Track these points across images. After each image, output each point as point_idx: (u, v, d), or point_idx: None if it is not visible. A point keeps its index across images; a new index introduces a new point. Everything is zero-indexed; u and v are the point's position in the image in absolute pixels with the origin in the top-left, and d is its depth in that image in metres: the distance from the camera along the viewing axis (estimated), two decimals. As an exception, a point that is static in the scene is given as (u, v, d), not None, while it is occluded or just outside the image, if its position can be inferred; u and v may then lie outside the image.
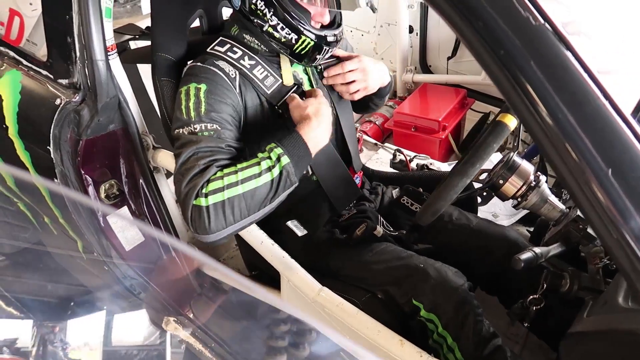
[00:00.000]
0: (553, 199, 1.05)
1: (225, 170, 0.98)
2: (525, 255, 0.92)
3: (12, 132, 1.19)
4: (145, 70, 1.76)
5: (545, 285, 0.99)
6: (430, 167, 1.75)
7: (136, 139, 1.19)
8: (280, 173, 0.99)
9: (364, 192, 1.41)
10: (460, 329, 1.03)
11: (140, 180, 1.29)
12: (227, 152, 1.02)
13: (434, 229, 1.28)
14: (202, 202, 0.94)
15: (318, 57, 1.14)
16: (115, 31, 1.15)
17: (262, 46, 1.17)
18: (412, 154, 1.77)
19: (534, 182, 1.04)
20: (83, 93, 1.07)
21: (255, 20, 1.10)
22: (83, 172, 1.18)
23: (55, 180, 1.19)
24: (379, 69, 1.30)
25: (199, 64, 1.10)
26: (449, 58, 2.52)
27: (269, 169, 0.98)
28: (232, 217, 0.97)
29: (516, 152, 1.07)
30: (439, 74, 2.62)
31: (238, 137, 1.07)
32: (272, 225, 1.21)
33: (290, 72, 1.20)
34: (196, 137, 1.01)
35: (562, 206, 1.05)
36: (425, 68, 2.66)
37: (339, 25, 1.15)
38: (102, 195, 1.25)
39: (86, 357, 1.52)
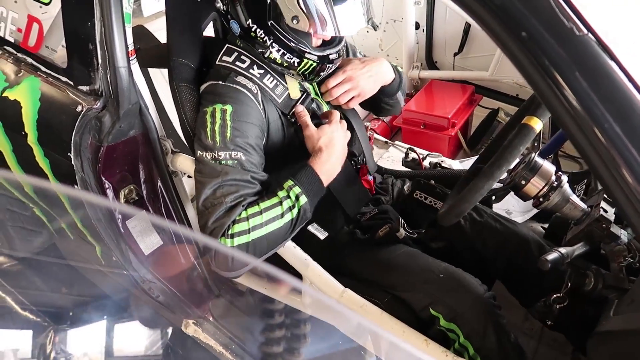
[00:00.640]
0: (574, 198, 1.06)
1: (250, 211, 1.01)
2: (552, 255, 0.93)
3: (32, 139, 1.19)
4: (152, 70, 1.76)
5: (569, 284, 1.00)
6: (442, 165, 1.76)
7: (156, 144, 1.19)
8: (299, 212, 1.03)
9: (375, 187, 1.42)
10: (482, 340, 1.03)
11: (159, 185, 1.29)
12: (252, 185, 1.05)
13: (451, 225, 1.29)
14: (228, 242, 0.99)
15: (322, 74, 1.16)
16: None
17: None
18: (425, 152, 1.78)
19: (555, 182, 1.05)
20: (104, 100, 1.07)
21: (257, 47, 1.11)
22: (103, 178, 1.18)
23: (76, 186, 1.19)
24: (371, 70, 1.26)
25: (221, 82, 1.11)
26: (455, 54, 2.52)
27: (290, 209, 1.03)
28: (253, 255, 1.02)
29: (537, 153, 1.08)
30: (445, 70, 2.62)
31: (261, 162, 1.09)
32: None
33: (296, 84, 1.21)
34: (220, 167, 1.02)
35: (583, 205, 1.06)
36: (432, 64, 2.66)
37: (341, 40, 1.15)
38: (122, 200, 1.25)
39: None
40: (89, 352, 1.44)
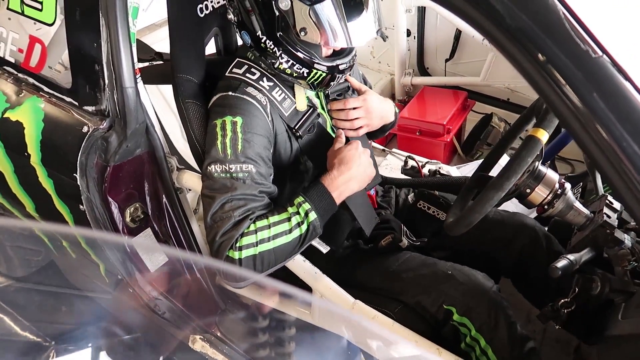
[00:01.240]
0: (578, 205, 1.09)
1: (258, 224, 1.02)
2: (562, 263, 0.96)
3: (35, 159, 1.17)
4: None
5: (577, 289, 1.03)
6: (441, 171, 1.79)
7: (162, 162, 1.18)
8: (308, 228, 1.04)
9: (377, 200, 1.43)
10: (494, 332, 1.06)
11: (164, 202, 1.28)
12: (260, 199, 1.05)
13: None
14: (236, 255, 1.00)
15: (332, 84, 1.17)
16: None
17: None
18: (424, 159, 1.80)
19: (559, 190, 1.07)
20: (111, 120, 1.07)
21: (268, 58, 1.12)
22: (109, 197, 1.17)
23: (81, 206, 1.18)
24: (383, 109, 1.32)
25: (230, 93, 1.11)
26: (446, 60, 2.56)
27: (298, 225, 1.03)
28: (261, 268, 1.03)
29: (540, 162, 1.10)
30: (437, 76, 2.66)
31: (270, 173, 1.10)
32: None
33: (304, 97, 1.21)
34: (230, 183, 1.03)
35: (587, 211, 1.08)
36: (423, 71, 2.70)
37: (351, 51, 1.16)
38: (128, 219, 1.24)
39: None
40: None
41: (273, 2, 1.01)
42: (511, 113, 2.37)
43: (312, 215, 1.04)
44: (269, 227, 1.02)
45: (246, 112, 1.08)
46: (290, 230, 1.02)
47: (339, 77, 1.15)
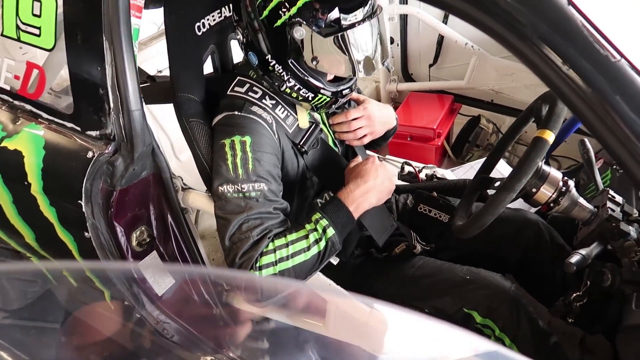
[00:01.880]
0: (582, 201, 1.12)
1: (277, 243, 1.02)
2: (575, 258, 0.98)
3: (36, 188, 1.14)
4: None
5: (588, 283, 1.06)
6: (437, 175, 1.81)
7: (169, 183, 1.17)
8: (327, 244, 1.04)
9: None
10: (517, 330, 1.08)
11: (170, 223, 1.27)
12: (276, 216, 1.06)
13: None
14: (256, 274, 1.00)
15: (334, 106, 1.20)
16: None
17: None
18: (420, 164, 1.82)
19: (564, 188, 1.11)
20: (117, 143, 1.05)
21: (273, 80, 1.13)
22: (115, 222, 1.15)
23: (86, 233, 1.16)
24: (384, 115, 1.35)
25: (237, 113, 1.11)
26: (430, 65, 2.61)
27: (316, 241, 1.04)
28: (281, 287, 1.02)
29: (544, 161, 1.13)
30: (421, 81, 2.70)
31: (280, 189, 1.11)
32: None
33: (306, 114, 1.23)
34: (245, 202, 1.03)
35: (590, 206, 1.12)
36: (408, 77, 2.74)
37: (354, 75, 1.18)
38: (134, 243, 1.22)
39: None
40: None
41: (287, 30, 1.01)
42: (497, 114, 2.43)
43: (330, 232, 1.04)
44: (287, 245, 1.02)
45: (254, 131, 1.08)
46: (308, 248, 1.03)
47: (341, 100, 1.17)
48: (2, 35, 1.09)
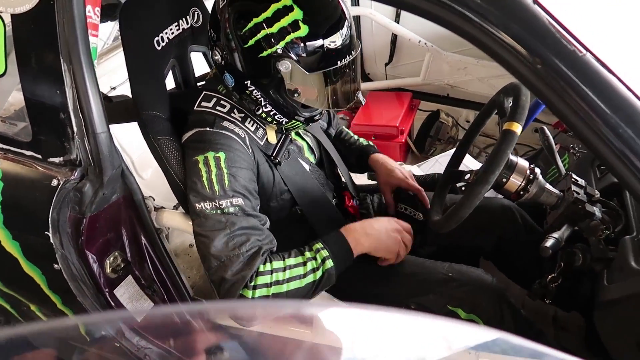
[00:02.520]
0: (548, 186, 1.18)
1: (275, 265, 1.01)
2: (549, 242, 1.03)
3: (-4, 223, 1.07)
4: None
5: (562, 264, 1.11)
6: (404, 172, 1.85)
7: (141, 205, 1.12)
8: (323, 275, 1.04)
9: (359, 211, 1.46)
10: (501, 323, 1.11)
11: (145, 245, 1.22)
12: (260, 232, 1.04)
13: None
14: (249, 294, 0.98)
15: (301, 130, 1.24)
16: None
17: None
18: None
19: (531, 176, 1.16)
20: (83, 169, 1.00)
21: (247, 102, 1.12)
22: (87, 251, 1.09)
23: (56, 265, 1.09)
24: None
25: (208, 129, 1.09)
26: (386, 64, 2.66)
27: (313, 270, 1.03)
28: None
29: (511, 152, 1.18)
30: (378, 80, 2.75)
31: (258, 204, 1.09)
32: None
33: (274, 130, 1.23)
34: (225, 218, 1.00)
35: (557, 191, 1.18)
36: (365, 76, 2.78)
37: (334, 108, 1.18)
38: (108, 269, 1.16)
39: None
40: None
41: (271, 61, 1.01)
42: (454, 107, 2.51)
43: (329, 263, 1.04)
44: (284, 269, 1.01)
45: (227, 147, 1.06)
46: (304, 275, 1.02)
47: (311, 124, 1.21)
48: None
